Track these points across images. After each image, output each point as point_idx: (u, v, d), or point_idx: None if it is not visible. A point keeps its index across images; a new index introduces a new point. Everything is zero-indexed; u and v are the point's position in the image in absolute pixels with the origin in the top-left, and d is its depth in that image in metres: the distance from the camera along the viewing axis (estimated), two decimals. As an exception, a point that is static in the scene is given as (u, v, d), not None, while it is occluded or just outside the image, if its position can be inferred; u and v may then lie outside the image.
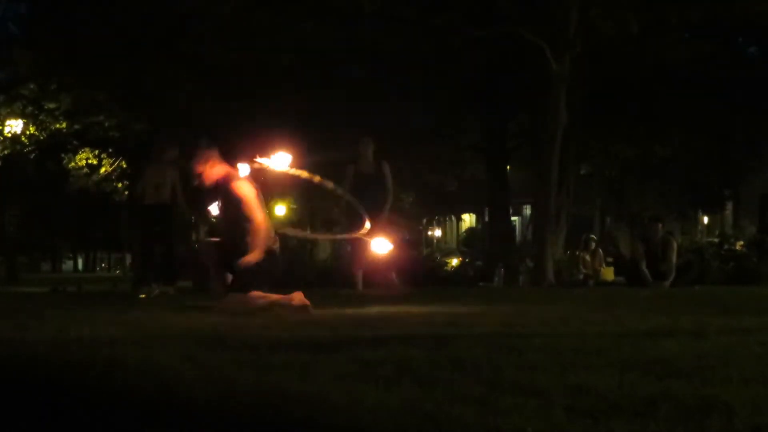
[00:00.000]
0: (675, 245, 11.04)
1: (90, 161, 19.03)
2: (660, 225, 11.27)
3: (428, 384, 2.30)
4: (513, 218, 26.24)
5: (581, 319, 4.59)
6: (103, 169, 19.29)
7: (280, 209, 28.20)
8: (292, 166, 6.03)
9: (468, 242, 36.32)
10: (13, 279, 27.10)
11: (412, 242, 29.31)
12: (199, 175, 5.95)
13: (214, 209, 6.53)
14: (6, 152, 19.34)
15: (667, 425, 1.79)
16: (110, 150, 19.06)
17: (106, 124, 17.84)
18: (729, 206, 28.54)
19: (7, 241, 30.93)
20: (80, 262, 67.35)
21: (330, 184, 6.47)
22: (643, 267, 10.68)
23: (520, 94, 17.38)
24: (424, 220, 42.13)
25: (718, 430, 1.77)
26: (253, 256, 5.63)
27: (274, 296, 5.54)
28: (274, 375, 2.46)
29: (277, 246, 6.00)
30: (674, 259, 10.79)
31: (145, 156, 11.60)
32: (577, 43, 12.35)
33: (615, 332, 3.70)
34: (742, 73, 18.76)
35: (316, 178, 6.12)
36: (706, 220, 32.43)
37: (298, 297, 5.40)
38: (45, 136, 18.68)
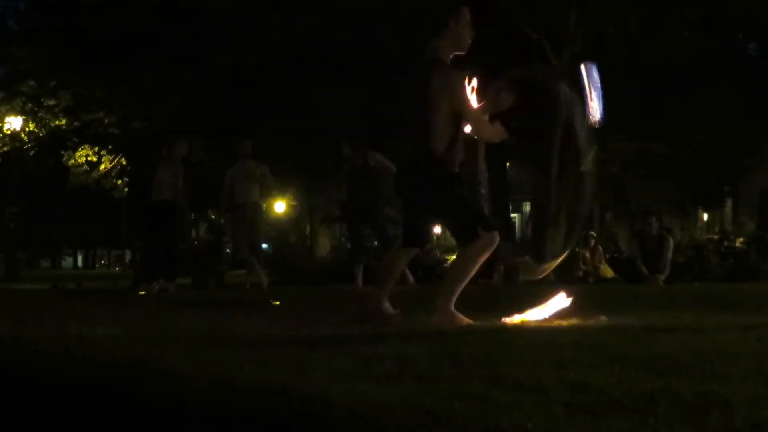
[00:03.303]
0: (671, 241, 11.06)
1: (90, 158, 19.03)
2: (654, 218, 11.29)
3: (428, 380, 2.30)
4: (513, 215, 26.23)
5: (580, 315, 4.59)
6: (102, 166, 19.29)
7: (280, 206, 28.22)
8: None
9: (468, 239, 36.25)
10: (13, 276, 27.14)
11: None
12: None
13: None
14: (6, 149, 19.35)
15: (667, 421, 1.79)
16: (110, 147, 19.06)
17: (106, 121, 17.85)
18: (728, 203, 28.56)
19: (7, 237, 30.96)
20: (80, 258, 67.41)
21: None
22: (639, 263, 10.70)
23: (519, 90, 17.34)
24: (424, 217, 42.10)
25: (718, 426, 1.77)
26: None
27: None
28: (274, 372, 2.46)
29: None
30: (669, 255, 10.81)
31: (146, 153, 11.65)
32: (576, 40, 12.35)
33: (614, 328, 3.70)
34: (742, 70, 18.74)
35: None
36: (705, 216, 32.43)
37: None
38: (45, 132, 18.69)
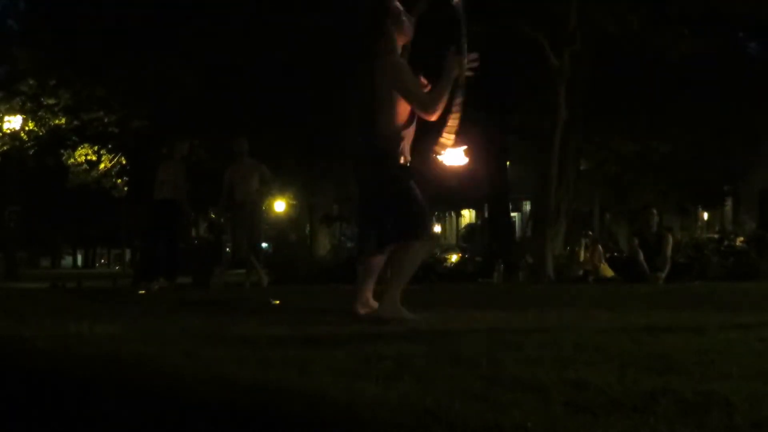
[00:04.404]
0: (670, 239, 11.06)
1: (89, 157, 19.05)
2: (654, 210, 11.29)
3: (428, 379, 2.30)
4: (513, 214, 26.22)
5: (580, 314, 4.58)
6: (102, 165, 19.31)
7: (280, 205, 28.23)
8: None
9: (468, 238, 36.31)
10: (13, 275, 27.13)
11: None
12: None
13: None
14: (5, 148, 19.35)
15: (667, 421, 1.78)
16: (109, 146, 19.07)
17: (106, 120, 17.86)
18: (729, 202, 28.57)
19: (7, 236, 30.95)
20: (80, 257, 67.43)
21: None
22: (641, 259, 10.70)
23: (519, 89, 17.36)
24: (424, 216, 42.08)
25: (718, 425, 1.77)
26: None
27: None
28: (274, 371, 2.46)
29: None
30: (669, 252, 10.81)
31: (146, 152, 11.65)
32: (576, 39, 12.34)
33: (614, 327, 3.70)
34: (742, 69, 18.74)
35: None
36: (705, 216, 32.44)
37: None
38: (44, 132, 18.69)
